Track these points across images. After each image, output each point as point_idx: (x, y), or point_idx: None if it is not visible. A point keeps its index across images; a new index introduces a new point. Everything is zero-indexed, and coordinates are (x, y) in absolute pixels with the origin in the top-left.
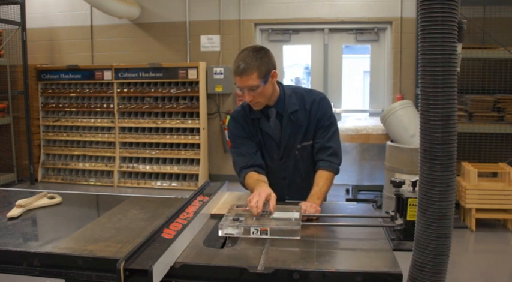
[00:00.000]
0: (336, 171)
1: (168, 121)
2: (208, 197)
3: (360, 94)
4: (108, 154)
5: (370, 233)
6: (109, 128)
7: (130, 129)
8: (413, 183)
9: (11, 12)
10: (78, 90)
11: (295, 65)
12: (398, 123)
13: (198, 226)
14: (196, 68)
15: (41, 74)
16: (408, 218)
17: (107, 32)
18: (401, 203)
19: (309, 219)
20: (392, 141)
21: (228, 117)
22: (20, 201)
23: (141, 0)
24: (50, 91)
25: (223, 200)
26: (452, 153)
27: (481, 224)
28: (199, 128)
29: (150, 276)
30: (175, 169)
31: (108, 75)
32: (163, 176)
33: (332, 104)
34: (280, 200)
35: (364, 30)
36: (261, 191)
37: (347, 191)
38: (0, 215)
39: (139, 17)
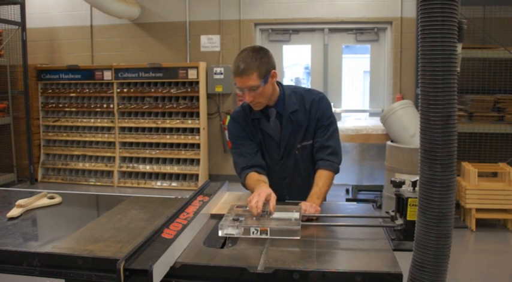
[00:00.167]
0: (336, 171)
1: (168, 121)
2: (208, 197)
3: (360, 94)
4: (108, 154)
5: (370, 233)
6: (109, 128)
7: (130, 129)
8: (413, 183)
9: (11, 12)
10: (78, 90)
11: (295, 65)
12: (398, 123)
13: (198, 226)
14: (196, 68)
15: (41, 74)
16: (408, 218)
17: (107, 32)
18: (401, 203)
19: (309, 219)
20: (392, 141)
21: (228, 117)
22: (20, 201)
23: (141, 0)
24: (50, 91)
25: (223, 200)
26: (452, 153)
27: (481, 224)
28: (199, 128)
29: (150, 276)
30: (175, 169)
31: (108, 75)
32: (163, 176)
33: (332, 104)
34: (280, 200)
35: (364, 30)
36: (261, 191)
37: (347, 191)
38: (0, 215)
39: (139, 17)
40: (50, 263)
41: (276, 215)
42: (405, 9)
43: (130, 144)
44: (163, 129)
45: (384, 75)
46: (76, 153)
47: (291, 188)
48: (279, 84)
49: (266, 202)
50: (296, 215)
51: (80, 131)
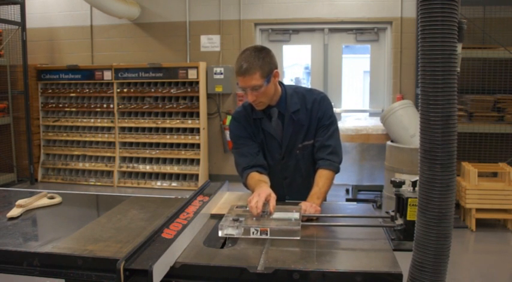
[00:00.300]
0: (336, 170)
1: (168, 121)
2: (208, 197)
3: (360, 94)
4: (108, 154)
5: (370, 233)
6: (109, 128)
7: (130, 129)
8: (413, 183)
9: (11, 12)
10: (78, 90)
11: (295, 65)
12: (398, 123)
13: (198, 226)
14: (196, 68)
15: (41, 74)
16: (408, 218)
17: (107, 32)
18: (401, 203)
19: (309, 219)
20: (392, 141)
21: (228, 117)
22: (20, 201)
23: (141, 0)
24: (50, 91)
25: (223, 200)
26: (452, 153)
27: (481, 224)
28: (199, 128)
29: (150, 276)
30: (175, 169)
31: (108, 75)
32: (163, 176)
33: (332, 103)
34: (280, 199)
35: (364, 30)
36: (261, 191)
37: (347, 191)
38: (0, 215)
39: (139, 17)
40: (50, 263)
41: (276, 215)
42: (405, 9)
43: (131, 144)
44: (163, 129)
45: (384, 75)
46: (76, 153)
47: (292, 187)
48: (281, 84)
49: (266, 202)
50: (296, 215)
51: (80, 131)
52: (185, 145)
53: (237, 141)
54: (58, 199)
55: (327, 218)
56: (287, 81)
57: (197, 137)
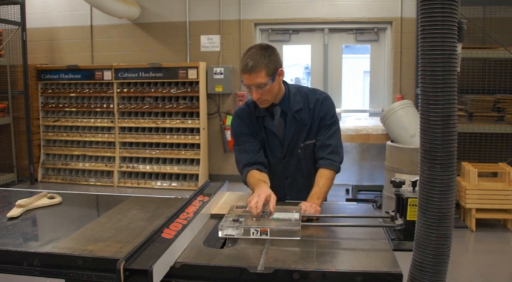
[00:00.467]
0: (336, 170)
1: (168, 121)
2: (208, 197)
3: (360, 94)
4: (108, 154)
5: (370, 233)
6: (109, 128)
7: (130, 129)
8: (413, 183)
9: (11, 12)
10: (78, 90)
11: (295, 65)
12: (398, 123)
13: (198, 226)
14: (196, 68)
15: (41, 74)
16: (408, 218)
17: (107, 32)
18: (401, 203)
19: (309, 219)
20: (392, 141)
21: (229, 117)
22: (20, 201)
23: (141, 0)
24: (50, 91)
25: (224, 200)
26: (452, 153)
27: (481, 224)
28: (199, 128)
29: (150, 276)
30: (175, 169)
31: (108, 75)
32: (163, 176)
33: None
34: (281, 199)
35: (364, 30)
36: (261, 191)
37: (347, 191)
38: (0, 215)
39: (139, 17)
40: (50, 263)
41: (276, 215)
42: (405, 9)
43: (131, 144)
44: (163, 129)
45: (384, 75)
46: (76, 153)
47: (293, 187)
48: (285, 83)
49: (266, 203)
50: (296, 215)
51: (80, 131)
52: (185, 145)
53: (238, 138)
54: (58, 199)
55: (327, 218)
56: (287, 81)
57: (197, 137)
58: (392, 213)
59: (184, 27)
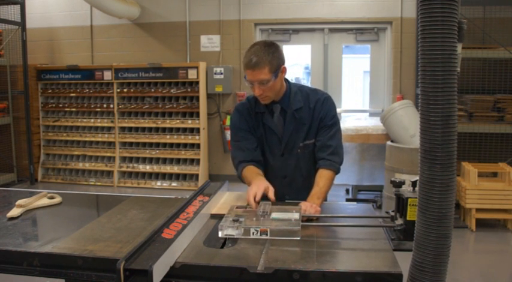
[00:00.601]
0: (336, 171)
1: (168, 121)
2: (208, 197)
3: (360, 94)
4: (108, 154)
5: (370, 233)
6: (109, 128)
7: (130, 129)
8: (413, 183)
9: (11, 12)
10: (78, 90)
11: (295, 65)
12: (398, 123)
13: (198, 226)
14: (196, 68)
15: (41, 74)
16: (408, 218)
17: (107, 32)
18: (401, 203)
19: (309, 219)
20: (392, 141)
21: (228, 117)
22: (20, 201)
23: (141, 0)
24: (50, 91)
25: (223, 200)
26: (452, 153)
27: (481, 224)
28: (199, 128)
29: (150, 276)
30: (175, 169)
31: (108, 75)
32: (163, 176)
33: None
34: (280, 199)
35: (364, 30)
36: (260, 183)
37: (347, 191)
38: (0, 215)
39: (139, 17)
40: (50, 263)
41: (275, 215)
42: (405, 9)
43: (131, 144)
44: (163, 129)
45: (384, 75)
46: (76, 153)
47: (291, 187)
48: (286, 81)
49: (267, 203)
50: (296, 215)
51: (80, 131)
52: (185, 145)
53: (237, 133)
54: (58, 199)
55: (327, 218)
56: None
57: (197, 137)
58: (392, 213)
59: (184, 27)
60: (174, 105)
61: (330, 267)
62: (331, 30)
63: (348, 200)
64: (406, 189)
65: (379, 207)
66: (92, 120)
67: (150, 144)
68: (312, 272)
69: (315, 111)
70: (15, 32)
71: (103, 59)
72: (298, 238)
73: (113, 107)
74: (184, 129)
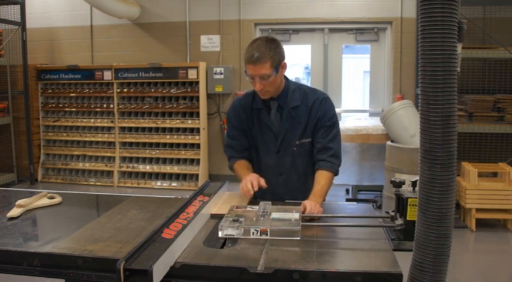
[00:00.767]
0: (336, 173)
1: (168, 121)
2: (208, 197)
3: (360, 94)
4: (108, 154)
5: (370, 233)
6: (109, 128)
7: (130, 129)
8: (413, 183)
9: (11, 12)
10: (78, 90)
11: (295, 65)
12: (398, 123)
13: (198, 226)
14: (196, 68)
15: (41, 74)
16: (408, 218)
17: (107, 32)
18: (401, 203)
19: (311, 219)
20: (392, 141)
21: None
22: (20, 201)
23: (141, 0)
24: (50, 91)
25: (224, 200)
26: (452, 153)
27: (481, 224)
28: (199, 128)
29: (150, 276)
30: (175, 169)
31: (108, 75)
32: (163, 176)
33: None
34: (276, 197)
35: (364, 30)
36: (252, 177)
37: (347, 191)
38: (0, 215)
39: (139, 17)
40: (50, 263)
41: (276, 215)
42: (405, 9)
43: (131, 144)
44: (163, 129)
45: (384, 75)
46: (76, 153)
47: (287, 185)
48: (285, 78)
49: (267, 203)
50: (296, 215)
51: (80, 131)
52: (185, 145)
53: (230, 130)
54: (58, 199)
55: (327, 218)
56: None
57: (197, 137)
58: (392, 213)
59: (184, 27)
60: (174, 105)
61: (330, 267)
62: (331, 30)
63: (348, 200)
64: (406, 189)
65: (379, 207)
66: (92, 120)
67: (150, 144)
68: (312, 272)
69: (312, 110)
70: (15, 32)
71: (103, 59)
72: (298, 238)
73: (113, 107)
74: (184, 129)
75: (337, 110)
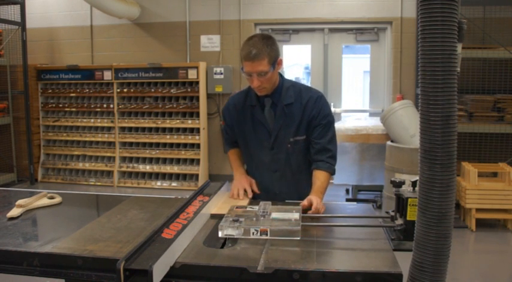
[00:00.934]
0: (334, 173)
1: (168, 121)
2: (208, 197)
3: (360, 94)
4: (108, 154)
5: (370, 233)
6: (109, 128)
7: (130, 129)
8: (413, 183)
9: (11, 12)
10: (78, 90)
11: (295, 65)
12: (398, 123)
13: (198, 226)
14: (196, 68)
15: (41, 74)
16: (408, 218)
17: (107, 32)
18: (401, 203)
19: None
20: (392, 141)
21: None
22: (20, 201)
23: (141, 0)
24: (50, 91)
25: (224, 200)
26: (452, 153)
27: (481, 224)
28: (199, 128)
29: (150, 276)
30: (175, 169)
31: (108, 75)
32: (163, 176)
33: (332, 104)
34: (271, 195)
35: (364, 30)
36: (242, 180)
37: (347, 191)
38: (0, 215)
39: (139, 17)
40: (50, 263)
41: (276, 215)
42: (405, 9)
43: (131, 144)
44: (163, 129)
45: (384, 75)
46: (76, 153)
47: (282, 181)
48: (280, 75)
49: (267, 203)
50: (296, 215)
51: (80, 131)
52: (185, 145)
53: (225, 125)
54: (58, 199)
55: (327, 218)
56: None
57: (197, 137)
58: (392, 213)
59: (184, 27)
60: (174, 105)
61: (330, 267)
62: (331, 30)
63: (348, 200)
64: (406, 189)
65: (379, 207)
66: (92, 120)
67: (150, 144)
68: (312, 272)
69: (306, 108)
70: (15, 32)
71: (103, 59)
72: (298, 238)
73: (113, 107)
74: (184, 129)
75: (337, 110)
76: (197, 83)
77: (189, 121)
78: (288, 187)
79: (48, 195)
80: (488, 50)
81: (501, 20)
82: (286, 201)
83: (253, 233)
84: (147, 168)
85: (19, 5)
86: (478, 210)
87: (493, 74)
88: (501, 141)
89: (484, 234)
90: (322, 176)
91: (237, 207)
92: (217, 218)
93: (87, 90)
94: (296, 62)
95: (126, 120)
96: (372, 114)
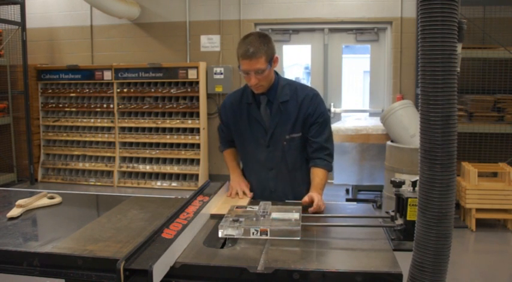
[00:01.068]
0: (331, 170)
1: (168, 121)
2: (208, 197)
3: (360, 94)
4: (108, 154)
5: (370, 233)
6: (109, 128)
7: (130, 129)
8: (413, 183)
9: (11, 12)
10: (78, 90)
11: (295, 65)
12: (398, 123)
13: (198, 226)
14: (196, 68)
15: (41, 74)
16: (408, 218)
17: (107, 32)
18: (401, 203)
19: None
20: (392, 141)
21: None
22: (20, 201)
23: (141, 0)
24: (50, 91)
25: (224, 200)
26: (452, 153)
27: (481, 224)
28: (199, 128)
29: (150, 276)
30: (175, 169)
31: (108, 75)
32: (163, 176)
33: (332, 104)
34: (267, 193)
35: (364, 30)
36: (238, 181)
37: (347, 191)
38: (0, 215)
39: (139, 17)
40: (50, 263)
41: (276, 215)
42: (405, 9)
43: (131, 144)
44: (163, 129)
45: (384, 75)
46: (76, 153)
47: (278, 179)
48: (275, 73)
49: (267, 203)
50: (296, 215)
51: (80, 131)
52: (185, 145)
53: (221, 123)
54: (58, 199)
55: (327, 218)
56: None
57: (197, 137)
58: (392, 213)
59: (184, 27)
60: (174, 105)
61: (330, 267)
62: (331, 30)
63: (348, 200)
64: (406, 189)
65: (379, 207)
66: (92, 120)
67: (150, 144)
68: (312, 272)
69: (302, 105)
70: (15, 32)
71: (103, 59)
72: (298, 238)
73: (113, 107)
74: (184, 129)
75: (337, 110)
76: (197, 83)
77: (189, 121)
78: (283, 185)
79: (48, 195)
80: (488, 50)
81: (501, 20)
82: (286, 201)
83: (253, 233)
84: (147, 168)
85: (19, 5)
86: (478, 210)
87: (493, 74)
88: (501, 141)
89: (484, 234)
90: (321, 173)
91: (237, 207)
92: (217, 218)
93: (87, 90)
94: (296, 62)
95: (126, 120)
96: (372, 114)
